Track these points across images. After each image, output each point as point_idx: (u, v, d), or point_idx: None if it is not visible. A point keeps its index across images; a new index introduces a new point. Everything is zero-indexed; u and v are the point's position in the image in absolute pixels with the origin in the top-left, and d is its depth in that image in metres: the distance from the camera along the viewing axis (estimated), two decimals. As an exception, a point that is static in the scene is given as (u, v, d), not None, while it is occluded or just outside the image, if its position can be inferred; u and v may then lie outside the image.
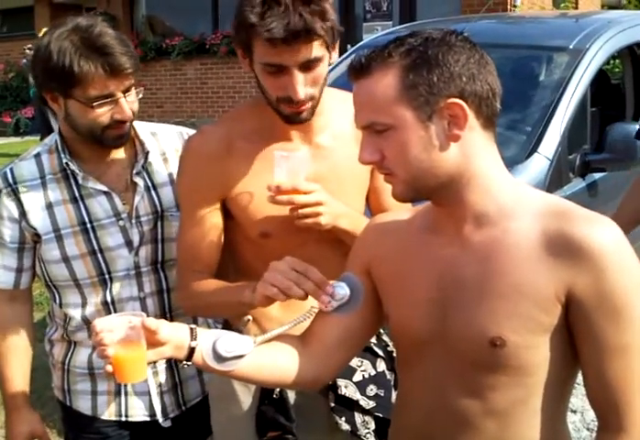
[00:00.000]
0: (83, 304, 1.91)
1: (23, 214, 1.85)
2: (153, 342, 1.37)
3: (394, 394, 1.82)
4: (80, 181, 1.84)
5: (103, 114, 1.73)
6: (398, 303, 1.44)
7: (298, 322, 1.52)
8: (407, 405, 1.49)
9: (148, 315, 1.89)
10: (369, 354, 1.88)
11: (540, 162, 3.16)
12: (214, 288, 1.73)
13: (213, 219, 1.75)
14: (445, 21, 5.44)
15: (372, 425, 1.84)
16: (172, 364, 2.01)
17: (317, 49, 1.57)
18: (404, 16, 10.36)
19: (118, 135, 1.78)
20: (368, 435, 1.83)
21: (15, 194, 1.85)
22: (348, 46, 6.49)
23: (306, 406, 1.85)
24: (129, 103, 1.76)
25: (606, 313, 1.24)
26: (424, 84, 1.24)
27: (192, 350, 1.40)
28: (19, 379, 1.99)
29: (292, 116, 1.65)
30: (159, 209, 1.90)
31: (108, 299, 1.90)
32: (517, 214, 1.30)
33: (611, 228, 1.25)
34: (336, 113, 1.75)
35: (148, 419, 1.99)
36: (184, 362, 1.42)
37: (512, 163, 3.01)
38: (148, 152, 1.88)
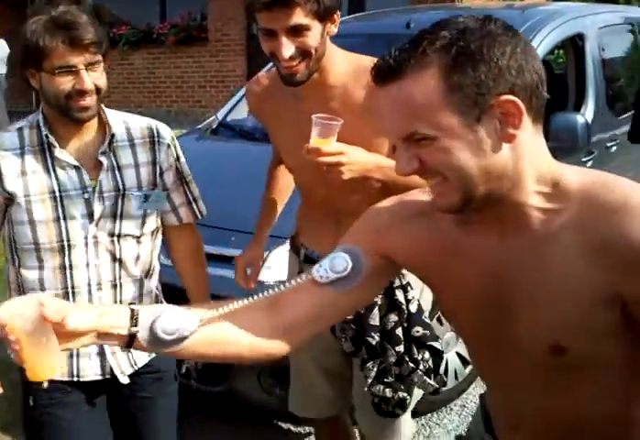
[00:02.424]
0: (40, 268, 2.03)
1: (0, 178, 1.99)
2: (65, 333, 1.17)
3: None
4: (55, 153, 2.00)
5: (64, 82, 1.90)
6: (448, 300, 1.35)
7: (249, 301, 1.31)
8: (495, 405, 1.48)
9: (101, 281, 2.03)
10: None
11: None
12: None
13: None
14: (393, 12, 5.49)
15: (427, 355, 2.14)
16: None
17: (299, 17, 1.80)
18: (354, 6, 10.36)
19: (81, 107, 1.93)
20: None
21: None
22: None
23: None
24: (92, 77, 1.92)
25: None
26: (471, 85, 1.09)
27: (132, 337, 1.22)
28: None
29: (287, 77, 1.91)
30: (120, 187, 2.05)
31: (66, 264, 2.03)
32: (563, 210, 1.18)
33: None
34: (349, 77, 1.97)
35: (99, 378, 2.10)
36: (124, 348, 1.28)
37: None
38: (113, 134, 2.06)
